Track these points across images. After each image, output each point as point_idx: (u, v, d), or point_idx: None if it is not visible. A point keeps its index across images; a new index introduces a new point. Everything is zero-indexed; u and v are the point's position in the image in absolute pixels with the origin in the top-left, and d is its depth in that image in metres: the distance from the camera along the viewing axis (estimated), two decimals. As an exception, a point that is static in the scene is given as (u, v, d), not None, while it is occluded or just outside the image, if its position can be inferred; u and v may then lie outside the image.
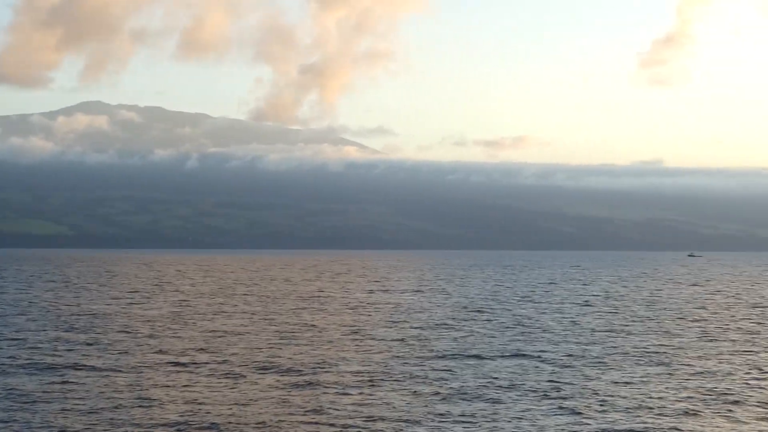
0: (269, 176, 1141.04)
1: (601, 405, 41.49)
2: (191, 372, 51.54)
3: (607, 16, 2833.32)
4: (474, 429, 37.24)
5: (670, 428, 36.95)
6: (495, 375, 50.30)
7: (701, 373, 51.18)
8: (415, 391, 44.98)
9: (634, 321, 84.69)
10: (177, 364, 54.50)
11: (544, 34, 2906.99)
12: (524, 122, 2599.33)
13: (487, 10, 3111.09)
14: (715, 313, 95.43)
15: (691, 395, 44.09)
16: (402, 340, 67.40)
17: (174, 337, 69.51)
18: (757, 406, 41.48)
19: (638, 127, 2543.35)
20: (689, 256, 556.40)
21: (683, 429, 36.82)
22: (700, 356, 58.57)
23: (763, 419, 38.79)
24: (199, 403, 42.22)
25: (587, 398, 43.14)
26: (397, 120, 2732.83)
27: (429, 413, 39.85)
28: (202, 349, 61.97)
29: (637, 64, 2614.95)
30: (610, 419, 38.61)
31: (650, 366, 53.99)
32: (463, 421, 38.34)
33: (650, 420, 38.36)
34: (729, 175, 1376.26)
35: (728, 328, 77.65)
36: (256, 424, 38.28)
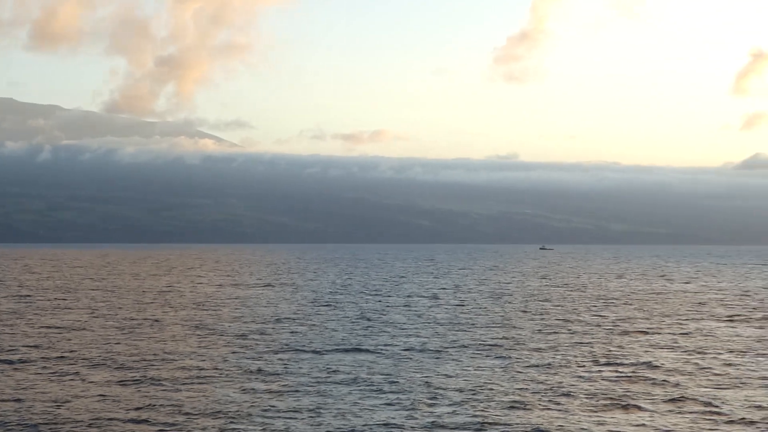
0: (124, 169, 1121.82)
1: (431, 398, 41.47)
2: (19, 370, 49.84)
3: (463, 12, 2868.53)
4: (296, 423, 36.76)
5: (496, 422, 37.04)
6: (332, 369, 49.94)
7: (536, 365, 51.69)
8: (247, 387, 44.31)
9: (479, 314, 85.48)
10: (4, 361, 52.67)
11: (401, 29, 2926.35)
12: (381, 116, 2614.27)
13: (345, 4, 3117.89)
14: (559, 305, 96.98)
15: (523, 387, 44.45)
16: (243, 335, 66.58)
17: (8, 333, 67.29)
18: (587, 397, 41.98)
19: (494, 122, 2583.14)
20: (541, 249, 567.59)
21: (510, 422, 36.96)
22: (538, 348, 59.24)
23: (590, 410, 39.26)
24: (22, 402, 40.75)
25: (419, 391, 43.08)
26: (255, 113, 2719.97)
27: (257, 408, 39.23)
28: (35, 345, 60.10)
29: (493, 59, 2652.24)
30: (437, 413, 38.57)
31: (488, 359, 54.36)
32: (288, 417, 37.82)
33: (478, 413, 38.44)
34: (582, 170, 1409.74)
35: (569, 321, 78.87)
36: (77, 422, 37.11)
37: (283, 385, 44.84)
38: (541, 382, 45.86)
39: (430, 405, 40.08)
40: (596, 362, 53.09)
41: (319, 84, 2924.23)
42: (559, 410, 39.21)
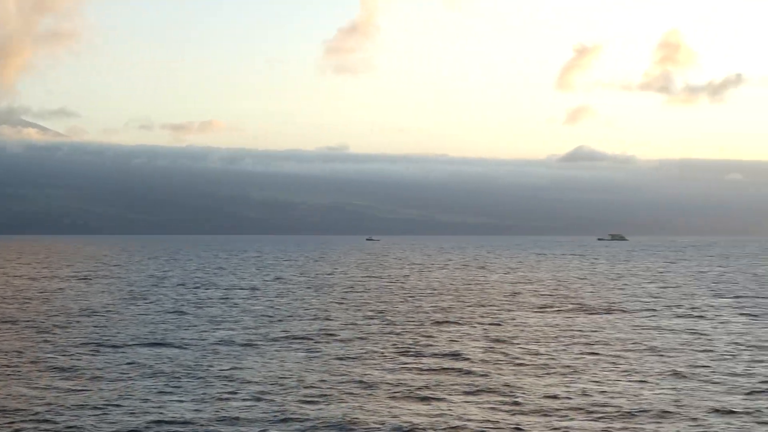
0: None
1: (230, 392, 40.53)
2: None
3: (294, 3, 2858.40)
4: (83, 420, 35.27)
5: (292, 415, 36.36)
6: (134, 363, 48.45)
7: (343, 357, 51.28)
8: (39, 383, 42.50)
9: (295, 306, 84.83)
10: None
11: (232, 18, 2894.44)
12: (212, 106, 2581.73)
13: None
14: (377, 296, 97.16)
15: (325, 379, 43.90)
16: (47, 329, 64.29)
17: None
18: (388, 388, 41.70)
19: (325, 114, 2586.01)
20: (368, 240, 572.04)
21: (306, 415, 36.31)
22: (348, 340, 58.90)
23: (390, 401, 38.94)
24: None
25: (218, 385, 42.08)
26: (81, 102, 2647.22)
27: (44, 405, 37.57)
28: None
29: (324, 51, 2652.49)
30: (234, 407, 37.66)
31: (295, 351, 53.68)
32: (75, 414, 36.26)
33: (276, 406, 37.69)
34: (411, 162, 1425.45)
35: (384, 312, 78.88)
36: None
37: (77, 381, 43.21)
38: (345, 374, 45.40)
39: (227, 399, 39.13)
40: (405, 353, 52.95)
41: (148, 73, 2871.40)
42: (357, 402, 38.77)
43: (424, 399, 39.77)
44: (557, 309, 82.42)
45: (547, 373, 46.28)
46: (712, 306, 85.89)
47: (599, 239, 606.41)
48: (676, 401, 39.05)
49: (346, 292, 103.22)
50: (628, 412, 36.90)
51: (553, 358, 51.29)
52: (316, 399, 39.32)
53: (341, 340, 58.54)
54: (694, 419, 35.84)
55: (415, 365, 48.61)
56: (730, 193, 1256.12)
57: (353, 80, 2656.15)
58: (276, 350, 53.98)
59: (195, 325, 67.47)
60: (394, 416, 36.44)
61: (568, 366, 48.54)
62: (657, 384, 43.14)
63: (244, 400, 39.09)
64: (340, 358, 50.71)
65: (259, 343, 57.34)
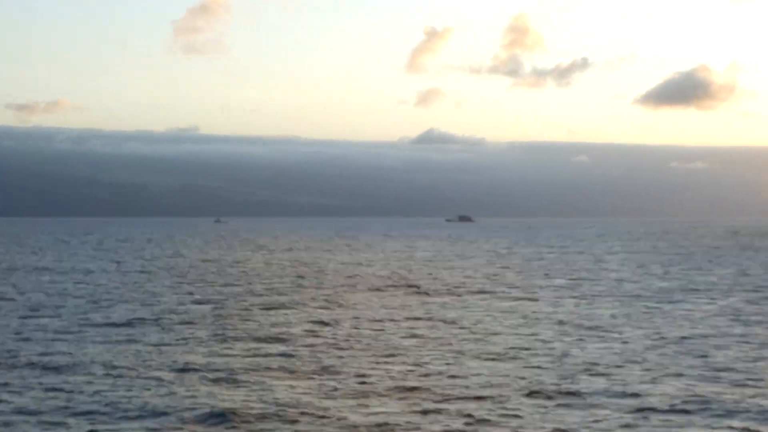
0: None
1: (24, 381, 38.77)
2: None
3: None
4: None
5: (84, 408, 34.85)
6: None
7: (160, 343, 49.73)
8: None
9: (128, 290, 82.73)
10: None
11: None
12: (58, 86, 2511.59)
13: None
14: (214, 280, 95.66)
15: (137, 365, 42.38)
16: None
17: None
18: (207, 371, 40.48)
19: (175, 94, 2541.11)
20: (216, 222, 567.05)
21: (107, 404, 34.85)
22: (167, 324, 57.34)
23: (204, 385, 37.74)
24: None
25: (15, 374, 40.24)
26: None
27: None
28: None
29: (172, 31, 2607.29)
30: (29, 396, 35.96)
31: (110, 337, 51.91)
32: None
33: (67, 396, 36.11)
34: (263, 143, 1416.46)
35: (212, 295, 77.50)
36: None
37: None
38: (160, 360, 43.90)
39: (29, 388, 37.37)
40: (229, 337, 51.66)
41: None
42: (168, 387, 37.42)
43: (239, 382, 38.70)
44: (392, 291, 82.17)
45: (371, 356, 45.62)
46: (546, 287, 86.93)
47: (447, 220, 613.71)
48: (491, 383, 38.80)
49: (181, 275, 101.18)
50: (444, 395, 36.45)
51: (378, 341, 50.71)
52: (124, 385, 37.82)
53: (165, 325, 56.88)
54: (506, 400, 35.58)
55: (237, 349, 47.42)
56: (577, 175, 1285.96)
57: (204, 60, 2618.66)
58: (92, 336, 52.02)
59: (14, 311, 64.86)
60: (207, 401, 35.27)
61: (393, 348, 48.00)
62: (476, 366, 42.88)
63: (47, 390, 37.31)
64: (160, 344, 49.11)
65: (76, 329, 55.24)
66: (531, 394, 36.79)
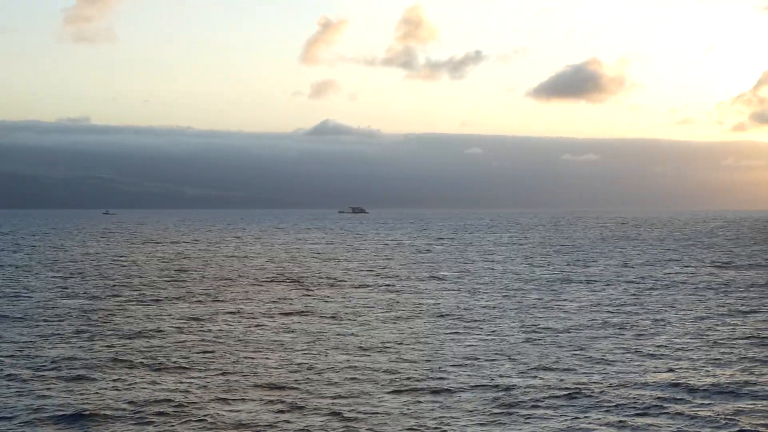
0: None
1: None
2: None
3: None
4: None
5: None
6: None
7: (18, 341, 47.84)
8: None
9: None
10: None
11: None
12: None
13: None
14: (91, 273, 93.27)
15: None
16: None
17: None
18: (69, 367, 38.83)
19: (65, 84, 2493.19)
20: (104, 214, 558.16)
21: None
22: (31, 319, 55.42)
23: (57, 383, 36.17)
24: None
25: None
26: None
27: None
28: None
29: (62, 20, 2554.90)
30: None
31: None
32: None
33: None
34: (156, 134, 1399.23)
35: (86, 289, 75.42)
36: None
37: None
38: (15, 356, 42.10)
39: None
40: (96, 333, 49.92)
41: None
42: (25, 386, 35.78)
43: (97, 380, 37.28)
44: (274, 285, 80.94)
45: (241, 352, 44.42)
46: (431, 279, 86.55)
47: (340, 212, 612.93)
48: (360, 378, 37.96)
49: (59, 270, 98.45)
50: (310, 391, 35.49)
51: (251, 336, 49.52)
52: None
53: (30, 321, 54.85)
54: (372, 396, 34.75)
55: (101, 345, 45.82)
56: (471, 166, 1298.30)
57: (94, 50, 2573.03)
58: (-48, 334, 49.84)
59: None
60: (61, 400, 33.79)
61: (266, 343, 46.93)
62: (347, 361, 42.02)
63: None
64: (20, 341, 47.19)
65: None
66: (398, 389, 36.03)
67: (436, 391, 35.58)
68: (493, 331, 51.20)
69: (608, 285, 79.44)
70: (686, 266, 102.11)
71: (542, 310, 61.60)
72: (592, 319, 56.35)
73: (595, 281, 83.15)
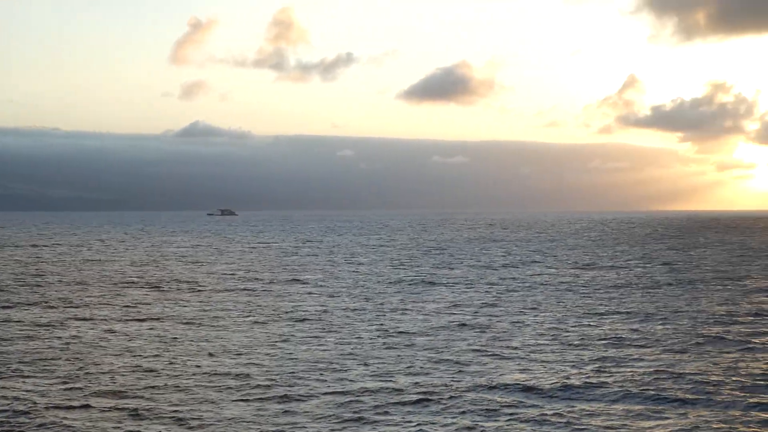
0: None
1: None
2: None
3: None
4: None
5: None
6: None
7: None
8: None
9: None
10: None
11: None
12: None
13: None
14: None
15: None
16: None
17: None
18: None
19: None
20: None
21: None
22: None
23: None
24: None
25: None
26: None
27: None
28: None
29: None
30: None
31: None
32: None
33: None
34: (21, 135, 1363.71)
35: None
36: None
37: None
38: None
39: None
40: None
41: None
42: None
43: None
44: (132, 289, 79.12)
45: (87, 358, 43.00)
46: (293, 282, 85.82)
47: (209, 214, 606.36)
48: (205, 383, 36.98)
49: None
50: (150, 398, 34.37)
51: (101, 342, 48.06)
52: None
53: None
54: (215, 402, 33.82)
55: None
56: (342, 168, 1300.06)
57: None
58: None
59: None
60: None
61: (115, 349, 45.56)
62: (194, 366, 40.96)
63: None
64: None
65: None
66: (246, 395, 35.19)
67: (284, 397, 34.83)
68: (351, 335, 50.63)
69: (470, 287, 79.69)
70: (549, 267, 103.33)
71: (402, 312, 61.30)
72: (451, 321, 56.22)
73: (457, 283, 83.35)
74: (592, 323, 55.43)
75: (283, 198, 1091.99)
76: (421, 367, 40.68)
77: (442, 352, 44.85)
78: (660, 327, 53.15)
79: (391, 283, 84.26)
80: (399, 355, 43.79)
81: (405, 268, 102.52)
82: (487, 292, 75.28)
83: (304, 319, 57.53)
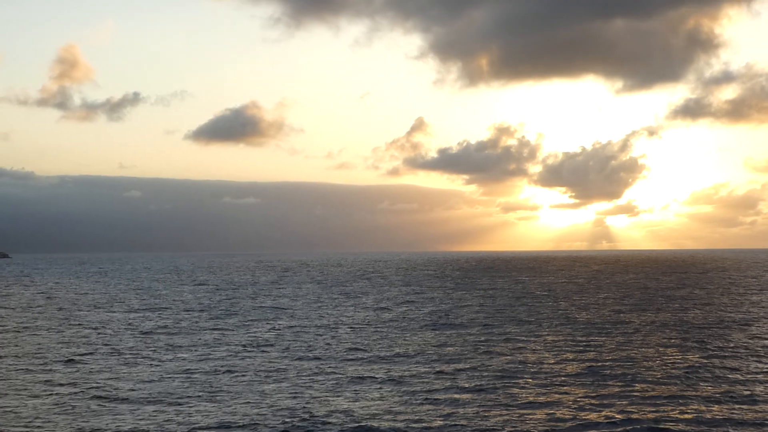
0: None
1: None
2: None
3: None
4: None
5: None
6: None
7: None
8: None
9: None
10: None
11: None
12: None
13: None
14: None
15: None
16: None
17: None
18: None
19: None
20: None
21: None
22: None
23: None
24: None
25: None
26: None
27: None
28: None
29: None
30: None
31: None
32: None
33: None
34: None
35: None
36: None
37: None
38: None
39: None
40: None
41: None
42: None
43: None
44: None
45: None
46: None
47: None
48: None
49: None
50: None
51: None
52: None
53: None
54: None
55: None
56: (129, 209, 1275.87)
57: None
58: None
59: None
60: None
61: None
62: None
63: None
64: None
65: None
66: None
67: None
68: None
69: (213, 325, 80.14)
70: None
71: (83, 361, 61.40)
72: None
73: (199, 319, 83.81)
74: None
75: (67, 239, 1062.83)
76: (91, 409, 41.03)
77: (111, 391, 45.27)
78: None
79: (138, 326, 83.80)
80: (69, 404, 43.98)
81: (155, 311, 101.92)
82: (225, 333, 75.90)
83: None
